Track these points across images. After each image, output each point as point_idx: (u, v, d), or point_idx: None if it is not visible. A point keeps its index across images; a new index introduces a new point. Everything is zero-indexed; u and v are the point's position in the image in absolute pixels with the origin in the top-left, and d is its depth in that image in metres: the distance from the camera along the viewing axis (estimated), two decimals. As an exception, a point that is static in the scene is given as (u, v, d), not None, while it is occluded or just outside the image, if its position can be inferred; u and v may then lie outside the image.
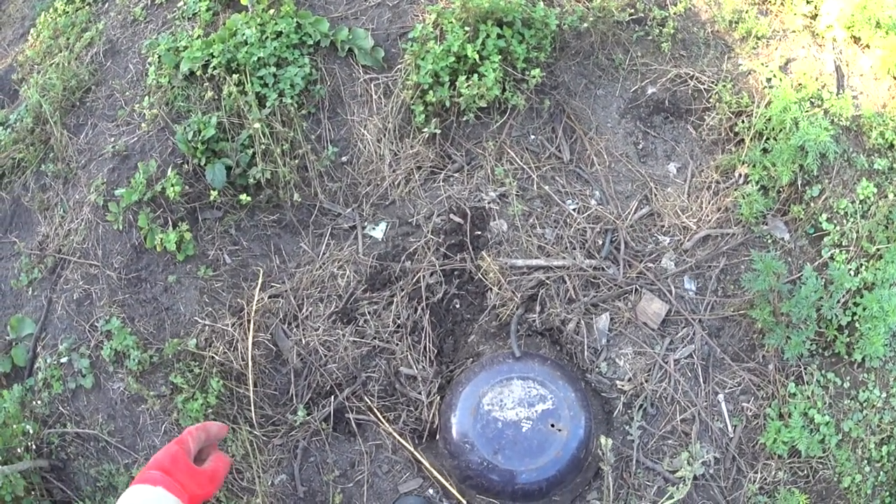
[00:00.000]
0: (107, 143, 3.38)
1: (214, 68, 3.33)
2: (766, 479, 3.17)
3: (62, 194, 3.38)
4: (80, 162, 3.40)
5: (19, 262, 3.34)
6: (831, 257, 3.36)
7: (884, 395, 3.28)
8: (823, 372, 3.29)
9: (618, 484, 3.19)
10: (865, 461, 3.21)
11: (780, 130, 3.47)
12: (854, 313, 3.25)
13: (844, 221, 3.41)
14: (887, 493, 3.25)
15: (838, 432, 3.22)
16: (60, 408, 3.11)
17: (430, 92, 3.40)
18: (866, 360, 3.27)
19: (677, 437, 3.24)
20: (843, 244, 3.39)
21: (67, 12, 3.80)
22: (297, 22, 3.45)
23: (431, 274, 3.39)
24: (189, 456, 2.05)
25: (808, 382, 3.27)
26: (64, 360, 3.15)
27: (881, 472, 3.22)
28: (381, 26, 3.65)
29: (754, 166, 3.53)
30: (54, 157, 3.44)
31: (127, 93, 3.51)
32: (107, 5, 3.90)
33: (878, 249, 3.33)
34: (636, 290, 3.42)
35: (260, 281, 3.35)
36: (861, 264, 3.33)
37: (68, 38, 3.69)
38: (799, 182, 3.49)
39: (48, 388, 3.12)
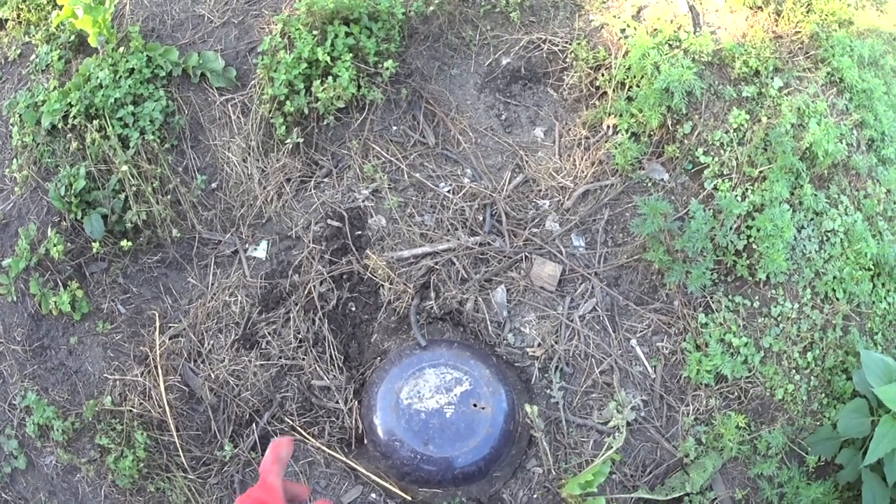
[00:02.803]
0: None
1: (75, 117, 3.89)
2: (698, 409, 3.81)
3: None
4: None
5: (-79, 356, 3.89)
6: (715, 188, 3.96)
7: (796, 305, 3.95)
8: (731, 297, 3.94)
9: (553, 446, 3.78)
10: (794, 371, 3.89)
11: (642, 77, 4.07)
12: (749, 236, 3.86)
13: (722, 151, 4.02)
14: (822, 395, 3.92)
15: (759, 350, 3.88)
16: (3, 495, 3.67)
17: (287, 102, 3.98)
18: (771, 277, 3.93)
19: (600, 390, 3.87)
20: (725, 173, 4.00)
21: (-80, 83, 4.36)
22: (147, 55, 4.02)
23: (321, 282, 3.99)
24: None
25: (717, 310, 3.91)
26: None
27: (811, 378, 3.90)
28: (230, 45, 4.24)
29: (621, 116, 4.15)
30: None
31: None
32: (-40, 69, 4.47)
33: (760, 172, 3.94)
34: (526, 257, 4.05)
35: (157, 324, 3.93)
36: (746, 189, 3.94)
37: None
38: (669, 123, 4.10)
39: (-15, 477, 3.69)
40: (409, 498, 3.74)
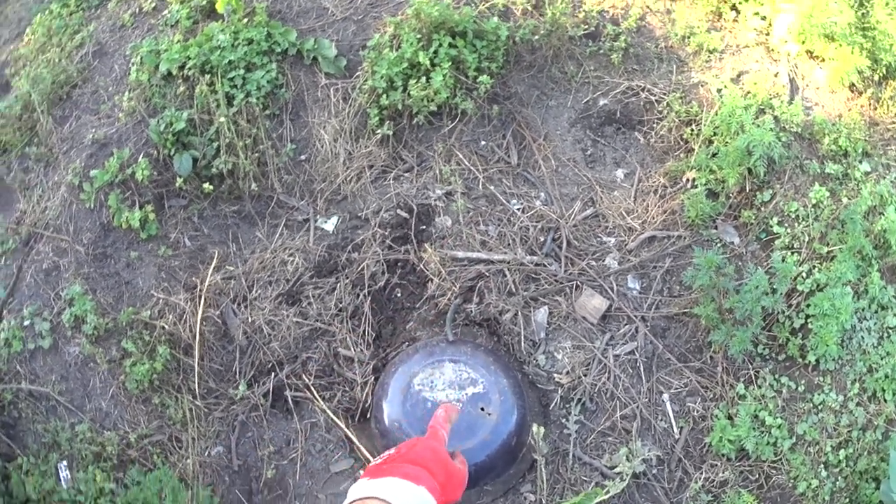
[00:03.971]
0: (88, 133, 4.42)
1: (190, 69, 4.38)
2: (710, 479, 3.74)
3: (42, 176, 4.41)
4: (62, 148, 4.44)
5: (-6, 234, 4.32)
6: (782, 259, 3.96)
7: (840, 398, 3.81)
8: (777, 376, 3.88)
9: (553, 478, 3.81)
10: (822, 465, 3.70)
11: (727, 134, 4.23)
12: (807, 315, 3.83)
13: (795, 224, 4.08)
14: (847, 500, 3.69)
15: (791, 435, 3.75)
16: (18, 366, 3.98)
17: (385, 96, 4.35)
18: (821, 363, 3.83)
19: (618, 434, 3.89)
20: (795, 246, 4.04)
21: (62, 15, 4.98)
22: (267, 31, 4.49)
23: (375, 263, 4.25)
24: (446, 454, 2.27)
25: (759, 385, 3.85)
26: (27, 323, 4.05)
27: (839, 478, 3.69)
28: (346, 38, 4.69)
29: (701, 170, 4.29)
30: (38, 143, 4.50)
31: (110, 89, 4.58)
32: (99, 11, 5.07)
33: (829, 251, 3.95)
34: (577, 286, 4.18)
35: (214, 262, 4.27)
36: (814, 266, 3.94)
37: (61, 39, 4.84)
38: (748, 187, 4.22)
39: (8, 346, 3.99)
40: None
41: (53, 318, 4.08)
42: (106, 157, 4.34)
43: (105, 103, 4.57)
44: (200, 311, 4.12)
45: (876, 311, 3.99)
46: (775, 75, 4.61)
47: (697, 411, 3.93)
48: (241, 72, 4.43)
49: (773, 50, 4.69)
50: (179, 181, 4.29)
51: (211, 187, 4.32)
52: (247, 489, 3.91)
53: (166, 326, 4.08)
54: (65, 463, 3.79)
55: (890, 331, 3.98)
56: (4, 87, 4.93)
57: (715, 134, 4.34)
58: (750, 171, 4.20)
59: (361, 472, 3.84)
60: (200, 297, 4.17)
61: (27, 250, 4.25)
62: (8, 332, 4.04)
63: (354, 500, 1.95)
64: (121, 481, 3.75)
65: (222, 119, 4.27)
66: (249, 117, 4.41)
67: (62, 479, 3.75)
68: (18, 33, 5.20)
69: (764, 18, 4.71)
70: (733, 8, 4.78)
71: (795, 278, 3.94)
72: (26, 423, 3.88)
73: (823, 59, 4.59)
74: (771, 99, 4.41)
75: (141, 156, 4.32)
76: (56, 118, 4.59)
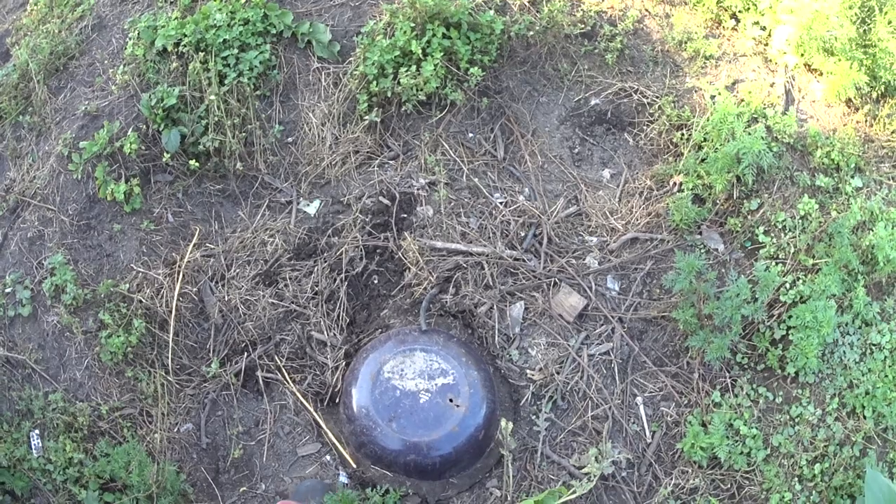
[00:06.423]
0: (81, 104, 4.47)
1: (185, 46, 4.44)
2: (680, 485, 3.75)
3: (34, 145, 4.47)
4: (55, 119, 4.50)
5: (-19, 200, 4.36)
6: (766, 269, 3.94)
7: (819, 411, 3.80)
8: (754, 386, 3.88)
9: (520, 475, 3.84)
10: (796, 479, 3.70)
11: (717, 140, 4.23)
12: (788, 327, 3.82)
13: (782, 235, 4.08)
14: None
15: (766, 446, 3.75)
16: None
17: (375, 82, 4.40)
18: (800, 375, 3.83)
19: (588, 435, 3.91)
20: (780, 257, 4.04)
21: (65, -14, 5.03)
22: (264, 12, 4.55)
23: (354, 249, 4.29)
24: None
25: (736, 394, 3.85)
26: (8, 290, 4.10)
27: (814, 492, 3.69)
28: (341, 23, 4.73)
29: (688, 174, 4.30)
30: (32, 112, 4.55)
31: (106, 62, 4.63)
32: (101, -16, 5.14)
33: (815, 264, 3.94)
34: (555, 283, 4.20)
35: (195, 239, 4.33)
36: (798, 278, 3.93)
37: (62, 10, 4.88)
38: (736, 195, 4.22)
39: (-11, 313, 4.06)
40: (355, 466, 3.87)
41: (35, 286, 4.13)
42: (96, 129, 4.39)
43: (100, 76, 4.63)
44: (178, 287, 4.18)
45: (860, 327, 3.98)
46: (771, 85, 4.62)
47: (671, 416, 3.94)
48: (235, 51, 4.50)
49: (770, 60, 4.70)
50: (166, 157, 4.35)
51: (197, 164, 4.38)
52: (214, 467, 3.96)
53: (143, 300, 4.14)
54: (37, 431, 3.83)
55: (873, 347, 3.97)
56: (4, 55, 4.99)
57: (705, 140, 4.35)
58: (738, 178, 4.21)
59: (328, 457, 3.95)
60: (179, 273, 4.23)
61: (13, 218, 4.31)
62: (-10, 298, 4.11)
63: None
64: (90, 452, 3.79)
65: (213, 97, 4.33)
66: (240, 97, 4.48)
67: (33, 447, 3.79)
68: (22, 3, 5.24)
69: (764, 29, 4.72)
70: (733, 16, 4.80)
71: (778, 289, 3.94)
72: (2, 390, 3.91)
73: (821, 73, 4.59)
74: (765, 108, 4.42)
75: (130, 129, 4.38)
76: (51, 88, 4.65)
